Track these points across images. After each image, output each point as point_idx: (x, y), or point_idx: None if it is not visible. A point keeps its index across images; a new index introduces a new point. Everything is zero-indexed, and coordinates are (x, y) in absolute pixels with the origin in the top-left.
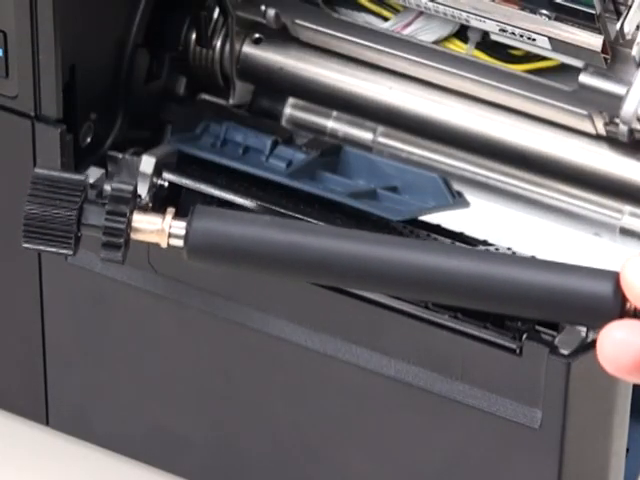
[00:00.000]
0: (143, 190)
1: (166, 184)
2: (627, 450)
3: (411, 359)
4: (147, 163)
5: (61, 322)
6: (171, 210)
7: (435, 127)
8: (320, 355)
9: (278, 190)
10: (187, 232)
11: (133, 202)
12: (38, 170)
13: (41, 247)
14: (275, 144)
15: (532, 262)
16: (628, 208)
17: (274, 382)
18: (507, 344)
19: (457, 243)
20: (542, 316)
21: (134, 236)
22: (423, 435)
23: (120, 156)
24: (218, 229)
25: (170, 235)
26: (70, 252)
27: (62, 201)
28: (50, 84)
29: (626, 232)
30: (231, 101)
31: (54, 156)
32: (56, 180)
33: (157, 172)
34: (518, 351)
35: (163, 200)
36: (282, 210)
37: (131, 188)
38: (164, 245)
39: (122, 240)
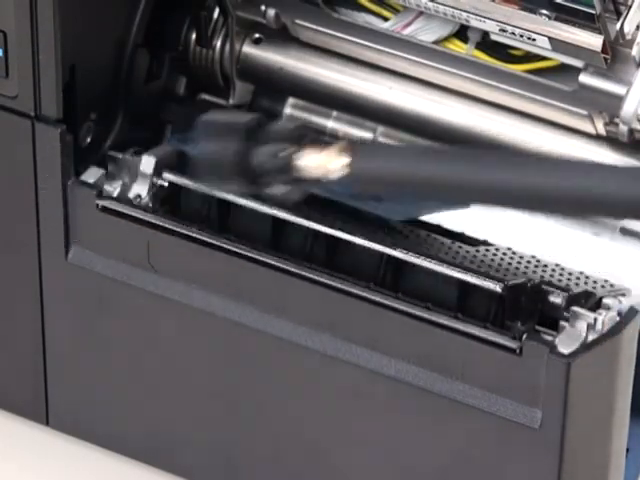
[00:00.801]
0: (143, 190)
1: (166, 184)
2: (627, 450)
3: (411, 359)
4: (147, 163)
5: (61, 322)
6: (337, 146)
7: (435, 127)
8: (320, 355)
9: None
10: (350, 169)
11: (298, 140)
12: (203, 117)
13: (214, 183)
14: None
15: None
16: None
17: (274, 382)
18: (507, 344)
19: (457, 243)
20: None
21: (302, 173)
22: (423, 435)
23: (120, 156)
24: (378, 165)
25: (335, 171)
26: (241, 189)
27: (226, 142)
28: (50, 84)
29: (626, 232)
30: (231, 101)
31: (54, 156)
32: (221, 123)
33: (157, 172)
34: (518, 351)
35: (163, 200)
36: (282, 210)
37: (294, 127)
38: (330, 178)
39: (288, 178)
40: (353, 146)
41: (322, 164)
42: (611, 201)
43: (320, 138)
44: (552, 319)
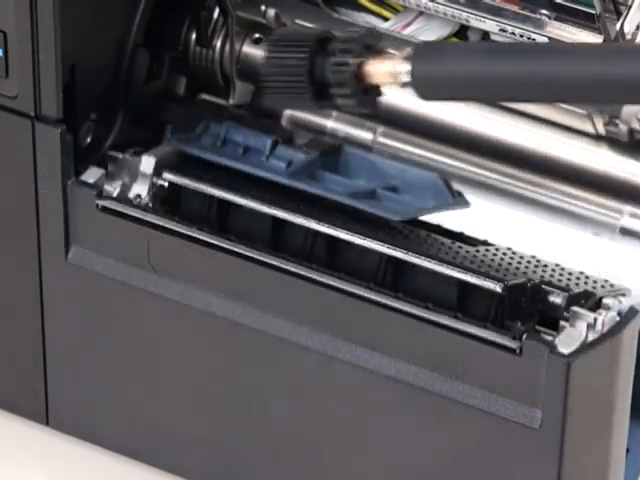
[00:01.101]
0: (143, 190)
1: (166, 184)
2: (627, 450)
3: (411, 359)
4: (147, 163)
5: (61, 322)
6: (402, 52)
7: (435, 127)
8: (320, 355)
9: (278, 190)
10: (412, 73)
11: (359, 49)
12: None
13: (286, 104)
14: (275, 144)
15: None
16: (628, 208)
17: (274, 382)
18: (507, 344)
19: (457, 243)
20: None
21: (369, 81)
22: (423, 435)
23: (120, 156)
24: (439, 67)
25: (399, 74)
26: (310, 105)
27: (294, 53)
28: (50, 84)
29: (626, 232)
30: (231, 101)
31: (54, 156)
32: (290, 37)
33: (157, 172)
34: (518, 351)
35: (163, 200)
36: (282, 210)
37: (360, 35)
38: (397, 85)
39: (356, 88)
40: (417, 51)
41: (388, 71)
42: None
43: (385, 48)
44: (552, 319)
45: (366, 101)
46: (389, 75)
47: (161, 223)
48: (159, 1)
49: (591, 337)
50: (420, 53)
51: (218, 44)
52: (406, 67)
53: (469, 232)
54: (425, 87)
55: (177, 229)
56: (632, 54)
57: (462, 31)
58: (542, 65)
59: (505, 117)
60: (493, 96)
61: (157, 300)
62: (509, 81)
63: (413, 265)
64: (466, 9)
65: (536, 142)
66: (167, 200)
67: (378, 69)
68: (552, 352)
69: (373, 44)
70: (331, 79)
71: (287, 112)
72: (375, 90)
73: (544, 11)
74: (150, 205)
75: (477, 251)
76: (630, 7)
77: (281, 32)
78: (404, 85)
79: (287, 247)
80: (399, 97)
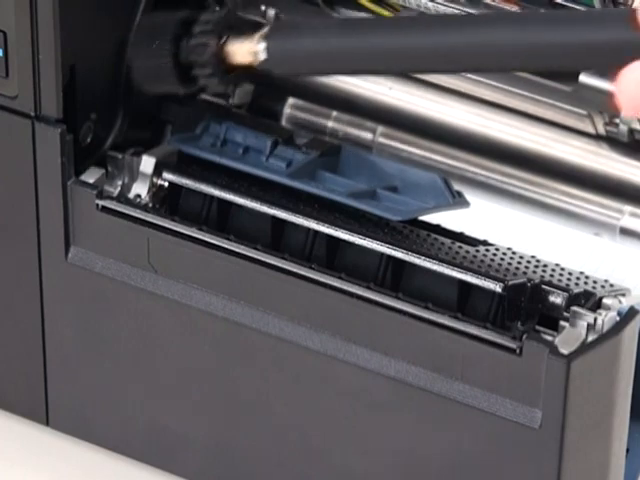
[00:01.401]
0: (143, 190)
1: (166, 184)
2: (627, 450)
3: (411, 359)
4: (147, 163)
5: (61, 322)
6: (260, 31)
7: (435, 127)
8: (320, 355)
9: (278, 190)
10: (268, 50)
11: (219, 30)
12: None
13: (154, 88)
14: (275, 144)
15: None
16: (628, 208)
17: (274, 382)
18: (507, 344)
19: (457, 243)
20: (572, 65)
21: (229, 60)
22: (423, 435)
23: (120, 156)
24: (293, 43)
25: (258, 52)
26: (178, 89)
27: (159, 37)
28: (50, 84)
29: (626, 232)
30: (231, 101)
31: (54, 156)
32: (154, 21)
33: (157, 172)
34: (518, 351)
35: (163, 200)
36: (282, 210)
37: (215, 17)
38: (256, 63)
39: (218, 68)
40: (272, 29)
41: (247, 49)
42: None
43: (247, 26)
44: (552, 319)
45: (229, 80)
46: (248, 53)
47: (161, 223)
48: (159, 1)
49: (591, 337)
50: (275, 31)
51: None
52: (263, 45)
53: (469, 232)
54: (280, 63)
55: (177, 229)
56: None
57: None
58: (385, 38)
59: (505, 117)
60: (343, 68)
61: (157, 300)
62: (356, 53)
63: (413, 265)
64: (466, 9)
65: (536, 142)
66: (167, 200)
67: (237, 48)
68: (552, 352)
69: (233, 24)
70: (193, 60)
71: (287, 112)
72: (237, 69)
73: (544, 11)
74: (150, 205)
75: (477, 251)
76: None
77: (146, 18)
78: (262, 63)
79: (287, 247)
80: (399, 97)
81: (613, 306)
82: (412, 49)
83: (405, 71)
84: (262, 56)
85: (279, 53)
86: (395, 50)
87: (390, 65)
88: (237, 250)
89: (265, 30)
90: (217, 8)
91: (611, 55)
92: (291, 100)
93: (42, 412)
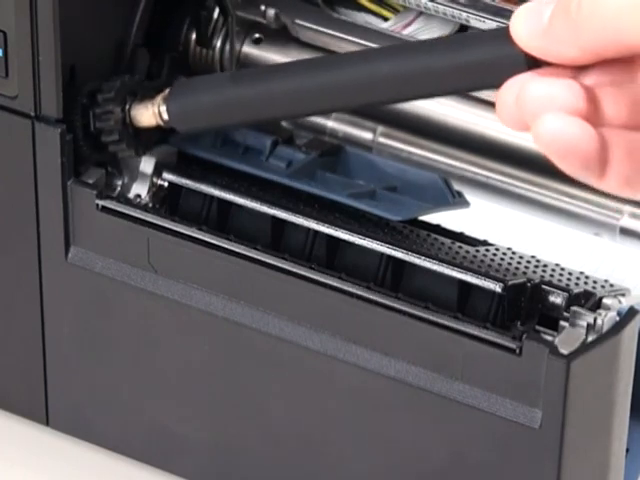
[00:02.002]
0: (143, 190)
1: (166, 184)
2: (627, 450)
3: (411, 359)
4: (147, 163)
5: (61, 322)
6: (161, 95)
7: (435, 127)
8: (320, 355)
9: (278, 190)
10: (168, 112)
11: (122, 97)
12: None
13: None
14: (275, 144)
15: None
16: (628, 208)
17: (274, 382)
18: (507, 344)
19: (457, 243)
20: (458, 88)
21: (136, 124)
22: (423, 435)
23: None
24: (190, 101)
25: (161, 114)
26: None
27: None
28: (50, 84)
29: (626, 232)
30: None
31: (54, 156)
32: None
33: (157, 172)
34: (518, 351)
35: (163, 200)
36: (282, 210)
37: (117, 84)
38: (162, 124)
39: (117, 136)
40: (171, 90)
41: (151, 112)
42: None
43: (150, 90)
44: (552, 319)
45: (139, 143)
46: (152, 116)
47: (161, 223)
48: (159, 1)
49: (591, 337)
50: (174, 91)
51: (218, 44)
52: (164, 107)
53: (469, 232)
54: (183, 121)
55: (177, 229)
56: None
57: (462, 31)
58: (276, 84)
59: None
60: (241, 118)
61: (157, 300)
62: (249, 102)
63: (413, 265)
64: (466, 9)
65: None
66: (167, 200)
67: (142, 112)
68: (552, 352)
69: (137, 89)
70: (101, 128)
71: None
72: (145, 132)
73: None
74: (150, 205)
75: (477, 251)
76: None
77: None
78: (166, 123)
79: (287, 247)
80: None
81: (613, 306)
82: (299, 93)
83: (298, 115)
84: (165, 117)
85: (180, 112)
86: (284, 96)
87: (282, 110)
88: (237, 250)
89: (166, 92)
90: (126, 77)
91: (496, 73)
92: None
93: (42, 412)
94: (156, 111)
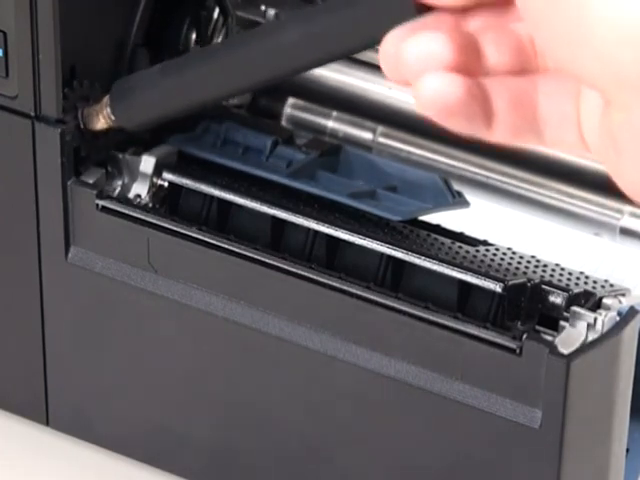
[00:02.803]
0: (143, 190)
1: (166, 184)
2: (627, 450)
3: (411, 359)
4: (147, 163)
5: (61, 322)
6: (106, 97)
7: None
8: (320, 355)
9: (278, 190)
10: (113, 110)
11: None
12: None
13: None
14: (275, 144)
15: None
16: (628, 208)
17: (274, 382)
18: (507, 344)
19: (457, 243)
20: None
21: (89, 126)
22: (423, 435)
23: (120, 156)
24: (132, 99)
25: (108, 114)
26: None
27: None
28: (50, 84)
29: (626, 232)
30: (231, 101)
31: (54, 156)
32: None
33: (157, 172)
34: (518, 351)
35: (163, 200)
36: (282, 210)
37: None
38: (110, 125)
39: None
40: (113, 89)
41: (97, 113)
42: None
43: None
44: (552, 319)
45: (99, 144)
46: (101, 117)
47: (161, 223)
48: (159, 1)
49: (591, 337)
50: (115, 91)
51: None
52: (109, 108)
53: (469, 232)
54: (127, 120)
55: (177, 229)
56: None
57: None
58: (197, 69)
59: None
60: (177, 107)
61: (157, 300)
62: (180, 90)
63: (413, 265)
64: None
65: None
66: (167, 200)
67: (91, 113)
68: (552, 352)
69: (88, 96)
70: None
71: (287, 112)
72: (101, 133)
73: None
74: (150, 205)
75: (477, 251)
76: None
77: None
78: (114, 123)
79: (287, 247)
80: (399, 97)
81: (613, 306)
82: (217, 74)
83: (225, 95)
84: (112, 116)
85: (123, 111)
86: (205, 78)
87: (208, 93)
88: (237, 250)
89: (109, 94)
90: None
91: (387, 22)
92: (291, 100)
93: (42, 412)
94: (104, 113)
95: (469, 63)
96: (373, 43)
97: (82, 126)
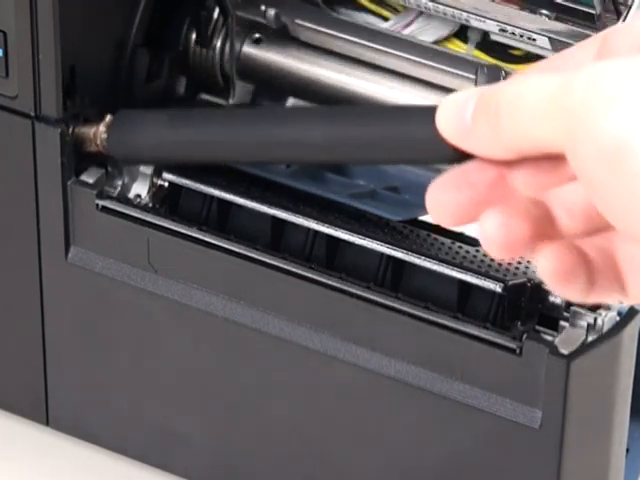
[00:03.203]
0: (143, 190)
1: (166, 184)
2: (627, 450)
3: (411, 359)
4: None
5: (61, 322)
6: (105, 121)
7: None
8: (320, 355)
9: (278, 190)
10: (108, 141)
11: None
12: None
13: None
14: None
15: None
16: None
17: (274, 382)
18: (507, 344)
19: (457, 243)
20: (387, 160)
21: (82, 146)
22: (423, 435)
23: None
24: (131, 138)
25: (102, 140)
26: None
27: None
28: (50, 84)
29: None
30: (231, 101)
31: (54, 156)
32: None
33: (157, 172)
34: (518, 351)
35: (163, 200)
36: (282, 210)
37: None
38: (100, 150)
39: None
40: (115, 119)
41: (92, 135)
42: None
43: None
44: (552, 319)
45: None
46: (95, 143)
47: (161, 223)
48: (159, 1)
49: (591, 337)
50: (116, 122)
51: (218, 44)
52: (105, 133)
53: (469, 232)
54: (121, 154)
55: (177, 229)
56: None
57: (462, 31)
58: (210, 132)
59: None
60: (176, 159)
61: (157, 300)
62: (183, 145)
63: (413, 265)
64: (466, 9)
65: None
66: (167, 200)
67: (85, 136)
68: (552, 352)
69: (79, 114)
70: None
71: None
72: (91, 153)
73: (544, 11)
74: (150, 205)
75: (477, 251)
76: (630, 7)
77: None
78: (106, 150)
79: (287, 247)
80: (399, 97)
81: (613, 306)
82: (231, 144)
83: (230, 161)
84: (105, 143)
85: (119, 144)
86: (216, 144)
87: (213, 157)
88: (237, 250)
89: (108, 119)
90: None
91: (423, 156)
92: (291, 100)
93: (42, 412)
94: (99, 140)
95: (546, 232)
96: (401, 163)
97: (73, 143)
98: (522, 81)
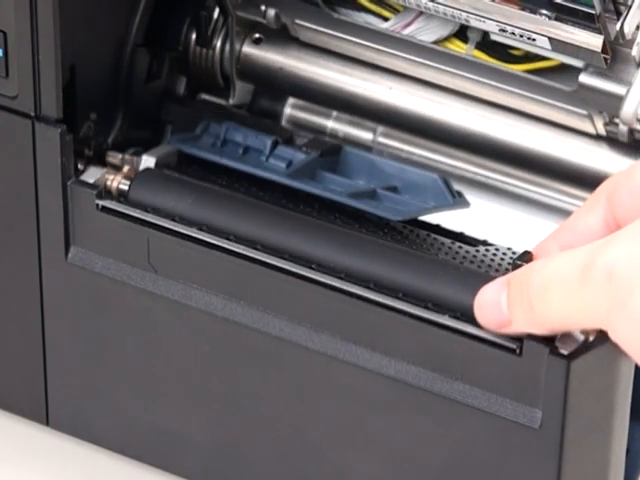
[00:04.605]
0: None
1: None
2: (627, 450)
3: (411, 359)
4: (147, 163)
5: (61, 322)
6: (126, 170)
7: (435, 127)
8: (320, 355)
9: (278, 190)
10: (128, 193)
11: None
12: None
13: None
14: (275, 144)
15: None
16: None
17: (274, 382)
18: (507, 344)
19: (457, 243)
20: None
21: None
22: (423, 435)
23: (120, 156)
24: (150, 200)
25: (119, 187)
26: None
27: None
28: (50, 84)
29: None
30: (231, 101)
31: (54, 156)
32: None
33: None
34: (518, 351)
35: None
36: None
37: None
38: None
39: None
40: (139, 175)
41: (115, 179)
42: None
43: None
44: None
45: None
46: (116, 182)
47: (161, 223)
48: (159, 1)
49: (591, 337)
50: (140, 177)
51: (218, 44)
52: (126, 182)
53: (469, 232)
54: (138, 205)
55: (177, 229)
56: None
57: (462, 31)
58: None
59: (505, 117)
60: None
61: (157, 300)
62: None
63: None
64: (466, 9)
65: (536, 142)
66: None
67: (107, 183)
68: (552, 352)
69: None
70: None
71: (287, 112)
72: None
73: (544, 11)
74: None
75: (477, 251)
76: (630, 7)
77: None
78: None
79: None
80: (399, 97)
81: None
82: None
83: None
84: (121, 189)
85: (137, 199)
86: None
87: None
88: (237, 250)
89: (131, 170)
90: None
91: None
92: (291, 100)
93: (42, 412)
94: (116, 182)
95: None
96: None
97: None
98: (547, 264)
